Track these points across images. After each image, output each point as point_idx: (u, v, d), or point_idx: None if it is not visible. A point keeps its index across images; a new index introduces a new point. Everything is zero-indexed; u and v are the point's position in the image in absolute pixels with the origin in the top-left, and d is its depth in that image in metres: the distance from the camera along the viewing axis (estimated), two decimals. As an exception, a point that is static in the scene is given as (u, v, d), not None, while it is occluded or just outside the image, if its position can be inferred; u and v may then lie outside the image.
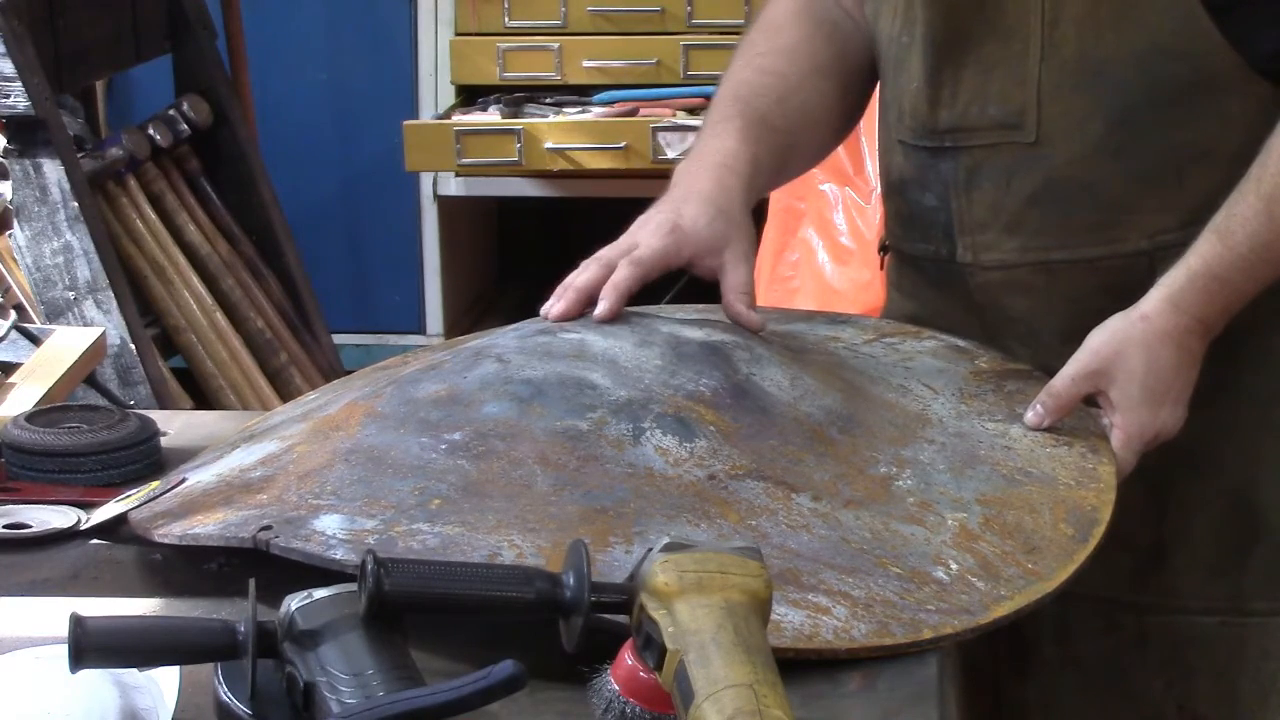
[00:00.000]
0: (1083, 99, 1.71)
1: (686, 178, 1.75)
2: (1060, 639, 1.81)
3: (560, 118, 4.43)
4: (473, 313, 5.04)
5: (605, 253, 1.70)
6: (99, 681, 1.34)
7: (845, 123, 1.93)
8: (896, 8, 1.80)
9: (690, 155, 1.80)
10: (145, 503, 1.62)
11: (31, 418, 1.82)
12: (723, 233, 1.71)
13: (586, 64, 4.56)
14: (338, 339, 4.44)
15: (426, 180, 4.73)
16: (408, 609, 1.28)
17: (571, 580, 1.27)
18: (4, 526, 1.65)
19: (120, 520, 1.63)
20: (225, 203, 4.19)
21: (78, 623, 1.27)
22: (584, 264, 1.70)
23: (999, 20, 1.73)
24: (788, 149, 1.83)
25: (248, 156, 4.22)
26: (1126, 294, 1.67)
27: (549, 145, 4.35)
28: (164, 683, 1.34)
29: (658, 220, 1.71)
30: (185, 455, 1.78)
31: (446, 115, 4.58)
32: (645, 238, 1.70)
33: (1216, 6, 1.66)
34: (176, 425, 1.92)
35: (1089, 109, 1.71)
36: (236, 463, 1.61)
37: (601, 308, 1.66)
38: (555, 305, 1.68)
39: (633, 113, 4.42)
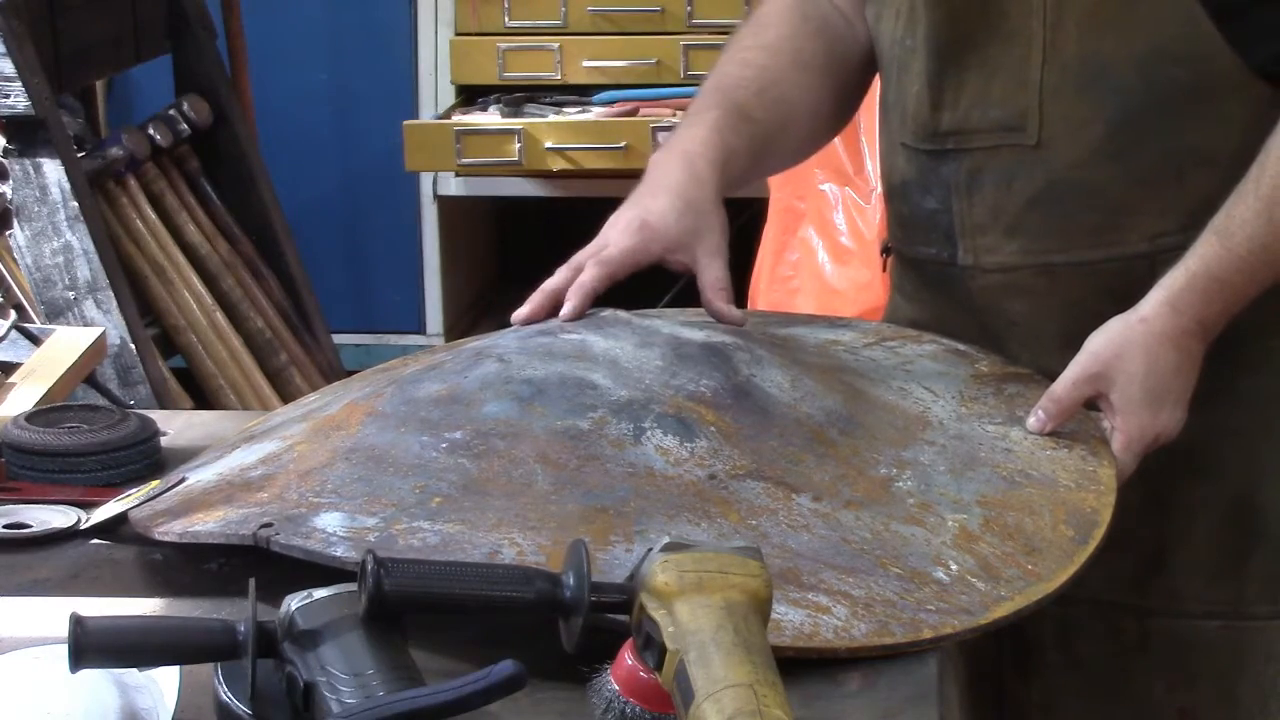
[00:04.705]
0: (1084, 102, 1.71)
1: (658, 169, 1.76)
2: (1062, 642, 1.81)
3: (560, 118, 4.43)
4: (473, 313, 5.04)
5: (576, 257, 1.72)
6: (99, 681, 1.34)
7: (832, 118, 1.93)
8: (899, 11, 1.80)
9: (665, 145, 1.81)
10: (145, 502, 1.62)
11: (31, 418, 1.82)
12: (692, 227, 1.71)
13: (586, 64, 4.56)
14: (338, 339, 4.44)
15: (426, 180, 4.73)
16: (408, 609, 1.28)
17: (571, 580, 1.27)
18: (4, 526, 1.65)
19: (120, 520, 1.63)
20: (225, 203, 4.19)
21: (78, 623, 1.27)
22: (558, 270, 1.71)
23: (1001, 23, 1.73)
24: (765, 140, 1.83)
25: (248, 156, 4.22)
26: (1127, 297, 1.67)
27: (549, 145, 4.35)
28: (164, 683, 1.34)
29: (627, 218, 1.72)
30: (185, 455, 1.78)
31: (446, 115, 4.58)
32: (614, 237, 1.71)
33: (1218, 10, 1.66)
34: (176, 425, 1.92)
35: (1090, 112, 1.71)
36: (237, 462, 1.61)
37: (566, 309, 1.68)
38: (523, 309, 1.70)
39: (633, 113, 4.42)
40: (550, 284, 1.70)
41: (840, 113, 1.94)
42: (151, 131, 4.01)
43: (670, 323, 1.69)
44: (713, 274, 1.71)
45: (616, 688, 1.27)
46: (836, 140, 3.36)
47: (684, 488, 1.49)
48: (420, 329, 4.89)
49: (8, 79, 3.48)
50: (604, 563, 1.39)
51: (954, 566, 1.47)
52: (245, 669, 1.28)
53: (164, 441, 1.84)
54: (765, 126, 1.82)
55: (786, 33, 1.88)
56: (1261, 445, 1.76)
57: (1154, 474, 1.69)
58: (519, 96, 4.54)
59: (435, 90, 4.75)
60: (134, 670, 1.35)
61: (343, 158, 4.99)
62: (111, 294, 3.58)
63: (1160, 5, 1.67)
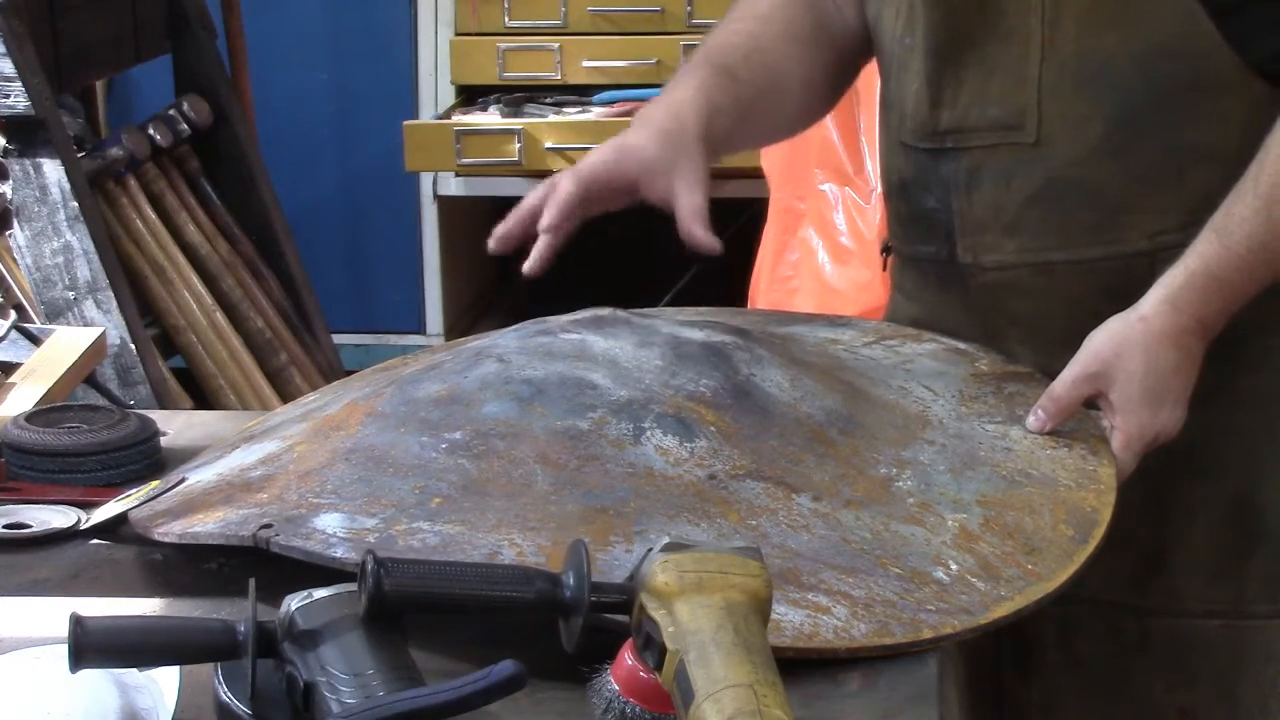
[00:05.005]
0: (1083, 100, 1.71)
1: (640, 117, 1.79)
2: (1062, 642, 1.81)
3: (560, 118, 4.44)
4: (472, 313, 5.04)
5: (553, 177, 1.75)
6: (99, 681, 1.34)
7: (824, 91, 1.94)
8: (899, 10, 1.80)
9: (651, 102, 1.83)
10: (145, 502, 1.62)
11: (31, 418, 1.82)
12: (670, 157, 1.74)
13: (586, 64, 4.56)
14: (338, 339, 4.44)
15: (426, 180, 4.73)
16: (408, 609, 1.28)
17: (571, 580, 1.27)
18: (4, 526, 1.65)
19: (120, 520, 1.63)
20: (225, 203, 4.19)
21: (78, 623, 1.27)
22: (535, 189, 1.74)
23: (1000, 22, 1.73)
24: (751, 102, 1.85)
25: (248, 156, 4.22)
26: (1126, 295, 1.67)
27: (549, 145, 4.35)
28: (164, 683, 1.34)
29: (602, 146, 1.76)
30: (185, 455, 1.78)
31: (446, 115, 4.58)
32: (590, 158, 1.75)
33: (1216, 7, 1.66)
34: (176, 425, 1.92)
35: (1089, 110, 1.71)
36: (237, 462, 1.61)
37: (544, 220, 1.70)
38: (500, 227, 1.73)
39: (633, 113, 4.40)
40: (526, 203, 1.73)
41: (831, 88, 1.94)
42: (151, 131, 4.01)
43: (670, 322, 1.69)
44: (691, 201, 1.72)
45: (616, 688, 1.27)
46: (836, 140, 3.38)
47: (684, 488, 1.49)
48: (420, 329, 4.89)
49: (8, 79, 3.48)
50: (604, 563, 1.39)
51: (954, 566, 1.47)
52: (245, 669, 1.28)
53: (164, 441, 1.84)
54: (751, 88, 1.84)
55: (776, 4, 1.90)
56: (1262, 444, 1.76)
57: (1154, 473, 1.69)
58: (519, 96, 4.54)
59: (435, 90, 4.75)
60: (134, 670, 1.35)
61: (343, 158, 4.99)
62: (111, 294, 3.58)
63: (1158, 2, 1.67)
